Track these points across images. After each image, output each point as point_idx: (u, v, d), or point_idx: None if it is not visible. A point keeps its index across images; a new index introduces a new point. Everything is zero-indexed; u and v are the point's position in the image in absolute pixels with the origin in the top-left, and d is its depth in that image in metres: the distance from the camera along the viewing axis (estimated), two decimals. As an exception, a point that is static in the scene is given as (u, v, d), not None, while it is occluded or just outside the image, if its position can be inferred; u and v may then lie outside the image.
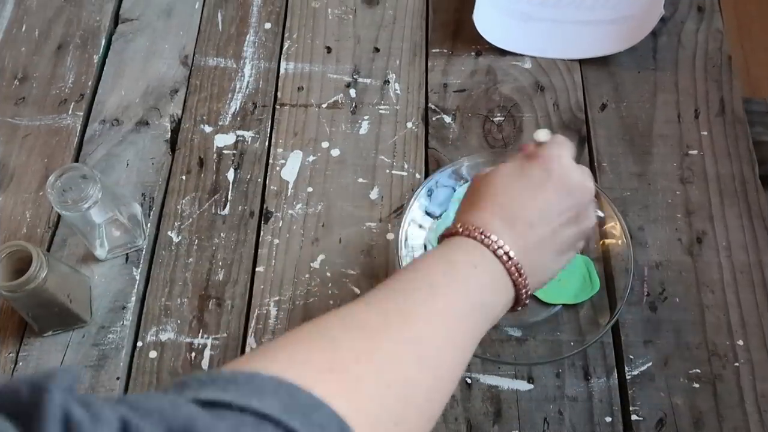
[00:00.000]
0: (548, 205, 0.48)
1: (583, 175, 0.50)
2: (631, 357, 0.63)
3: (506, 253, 0.46)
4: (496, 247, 0.46)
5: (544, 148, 0.50)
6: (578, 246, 0.52)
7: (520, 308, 0.48)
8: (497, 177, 0.50)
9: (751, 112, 0.78)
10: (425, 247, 0.67)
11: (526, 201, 0.48)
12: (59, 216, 0.71)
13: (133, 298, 0.67)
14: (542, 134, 0.55)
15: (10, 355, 0.64)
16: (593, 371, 0.62)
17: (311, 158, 0.74)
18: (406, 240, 0.66)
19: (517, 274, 0.46)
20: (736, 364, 0.62)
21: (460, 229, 0.47)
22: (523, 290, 0.47)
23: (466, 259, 0.45)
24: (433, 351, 0.41)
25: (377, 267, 0.68)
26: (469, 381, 0.62)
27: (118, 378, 0.63)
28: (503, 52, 0.80)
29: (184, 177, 0.74)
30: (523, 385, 0.62)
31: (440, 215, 0.69)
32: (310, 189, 0.73)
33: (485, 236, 0.46)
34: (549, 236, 0.48)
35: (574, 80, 0.78)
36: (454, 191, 0.70)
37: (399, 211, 0.71)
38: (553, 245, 0.49)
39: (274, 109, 0.78)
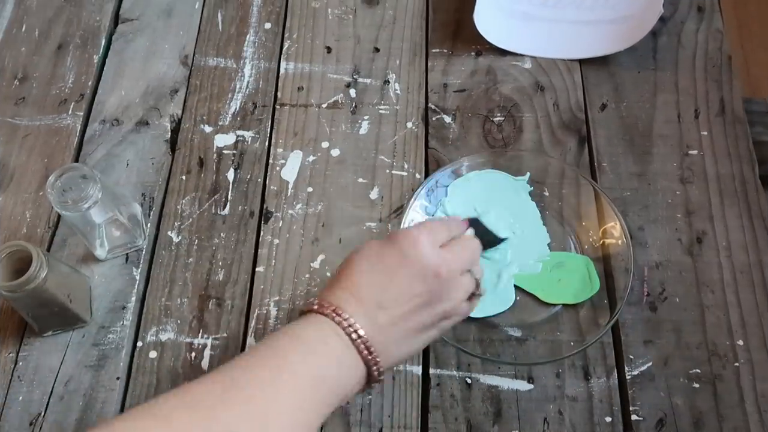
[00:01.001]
0: (399, 289, 0.50)
1: (439, 261, 0.51)
2: (631, 357, 0.63)
3: (356, 332, 0.48)
4: (346, 325, 0.48)
5: (407, 231, 0.52)
6: (442, 326, 0.53)
7: (375, 384, 0.50)
8: (361, 257, 0.51)
9: (751, 112, 0.78)
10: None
11: (380, 283, 0.50)
12: (59, 216, 0.71)
13: (133, 298, 0.67)
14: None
15: (10, 355, 0.64)
16: (593, 371, 0.62)
17: (311, 158, 0.74)
18: (406, 240, 0.66)
19: (366, 352, 0.48)
20: (736, 364, 0.62)
21: (316, 306, 0.49)
22: (374, 367, 0.48)
23: (317, 336, 0.47)
24: (272, 425, 0.43)
25: (377, 267, 0.68)
26: (469, 381, 0.62)
27: (118, 378, 0.63)
28: (503, 52, 0.80)
29: (184, 177, 0.74)
30: (523, 385, 0.62)
31: (433, 215, 0.69)
32: (310, 189, 0.73)
33: (337, 314, 0.48)
34: (401, 318, 0.50)
35: (574, 80, 0.78)
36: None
37: (399, 211, 0.71)
38: (407, 326, 0.50)
39: (274, 109, 0.78)
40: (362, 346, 0.48)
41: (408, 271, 0.50)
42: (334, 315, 0.48)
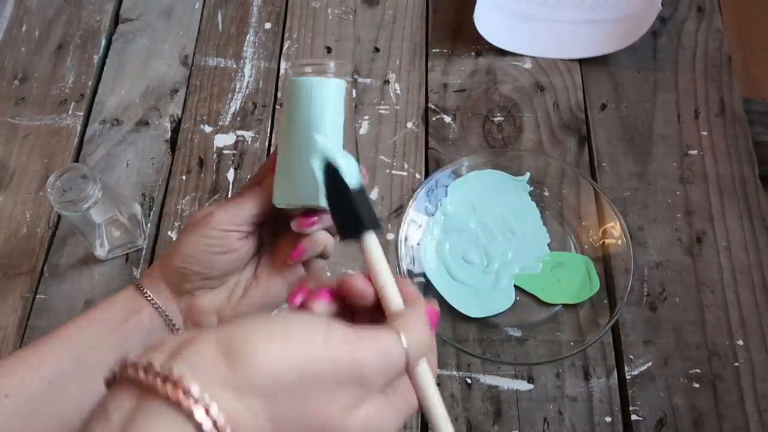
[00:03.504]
0: None
1: None
2: (631, 357, 0.63)
3: None
4: None
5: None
6: None
7: None
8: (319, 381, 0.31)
9: (751, 112, 0.78)
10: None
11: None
12: (59, 216, 0.71)
13: (133, 298, 0.67)
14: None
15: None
16: (593, 371, 0.62)
17: (311, 158, 0.74)
18: (406, 240, 0.66)
19: None
20: (736, 364, 0.62)
21: (193, 410, 0.28)
22: None
23: None
24: None
25: (377, 267, 0.68)
26: (469, 381, 0.62)
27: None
28: (503, 52, 0.80)
29: (184, 177, 0.74)
30: (523, 385, 0.62)
31: (433, 215, 0.69)
32: (310, 189, 0.72)
33: None
34: None
35: (574, 80, 0.78)
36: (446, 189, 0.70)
37: (399, 211, 0.71)
38: None
39: (274, 109, 0.78)
40: None
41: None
42: None
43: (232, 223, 0.47)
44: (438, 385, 0.62)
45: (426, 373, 0.36)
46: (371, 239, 0.38)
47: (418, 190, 0.68)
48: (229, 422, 0.28)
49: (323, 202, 0.42)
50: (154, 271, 0.49)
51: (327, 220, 0.46)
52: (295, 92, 0.44)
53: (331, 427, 0.32)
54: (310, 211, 0.45)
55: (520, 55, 0.80)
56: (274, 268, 0.49)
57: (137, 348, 0.33)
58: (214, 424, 0.28)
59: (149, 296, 0.48)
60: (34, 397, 0.44)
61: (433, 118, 0.76)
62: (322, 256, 0.48)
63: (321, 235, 0.47)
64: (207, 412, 0.28)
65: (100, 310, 0.48)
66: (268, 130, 0.76)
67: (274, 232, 0.50)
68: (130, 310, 0.48)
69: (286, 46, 0.82)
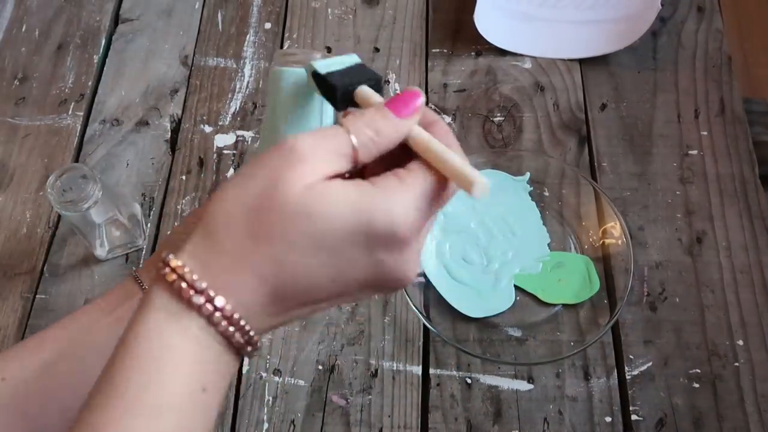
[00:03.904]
0: (345, 286, 0.34)
1: (415, 271, 0.36)
2: (631, 357, 0.63)
3: (247, 339, 0.34)
4: (238, 338, 0.33)
5: (393, 221, 0.33)
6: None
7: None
8: (300, 227, 0.32)
9: (751, 112, 0.78)
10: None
11: (319, 282, 0.33)
12: (59, 216, 0.71)
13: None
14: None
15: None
16: (593, 371, 0.62)
17: (311, 158, 0.74)
18: (406, 240, 0.66)
19: (250, 348, 0.34)
20: (736, 364, 0.62)
21: (203, 301, 0.32)
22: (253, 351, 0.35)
23: (190, 356, 0.32)
24: None
25: (377, 267, 0.68)
26: (469, 381, 0.62)
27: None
28: (503, 52, 0.80)
29: (184, 177, 0.74)
30: (523, 385, 0.62)
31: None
32: (310, 189, 0.72)
33: (231, 324, 0.33)
34: (322, 308, 0.36)
35: (574, 80, 0.78)
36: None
37: (399, 211, 0.71)
38: (322, 308, 0.36)
39: (274, 109, 0.78)
40: (248, 348, 0.34)
41: (376, 286, 0.35)
42: (227, 327, 0.33)
43: None
44: (438, 385, 0.62)
45: (419, 131, 0.35)
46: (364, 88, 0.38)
47: (418, 190, 0.68)
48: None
49: None
50: (150, 259, 0.53)
51: None
52: (271, 83, 0.42)
53: (269, 209, 0.32)
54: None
55: (520, 55, 0.80)
56: None
57: None
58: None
59: (141, 282, 0.51)
60: (30, 378, 0.45)
61: (433, 118, 0.76)
62: None
63: None
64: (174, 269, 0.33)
65: (98, 299, 0.50)
66: (268, 130, 0.76)
67: None
68: (124, 296, 0.50)
69: (286, 46, 0.82)
